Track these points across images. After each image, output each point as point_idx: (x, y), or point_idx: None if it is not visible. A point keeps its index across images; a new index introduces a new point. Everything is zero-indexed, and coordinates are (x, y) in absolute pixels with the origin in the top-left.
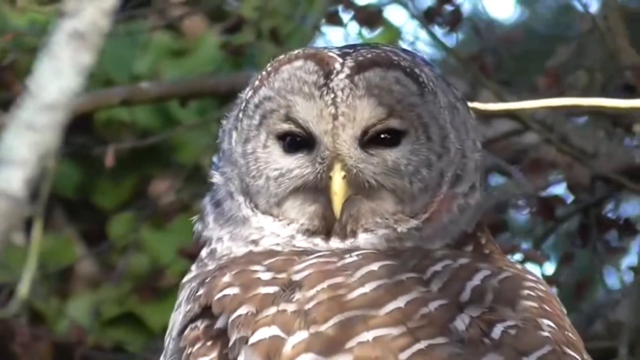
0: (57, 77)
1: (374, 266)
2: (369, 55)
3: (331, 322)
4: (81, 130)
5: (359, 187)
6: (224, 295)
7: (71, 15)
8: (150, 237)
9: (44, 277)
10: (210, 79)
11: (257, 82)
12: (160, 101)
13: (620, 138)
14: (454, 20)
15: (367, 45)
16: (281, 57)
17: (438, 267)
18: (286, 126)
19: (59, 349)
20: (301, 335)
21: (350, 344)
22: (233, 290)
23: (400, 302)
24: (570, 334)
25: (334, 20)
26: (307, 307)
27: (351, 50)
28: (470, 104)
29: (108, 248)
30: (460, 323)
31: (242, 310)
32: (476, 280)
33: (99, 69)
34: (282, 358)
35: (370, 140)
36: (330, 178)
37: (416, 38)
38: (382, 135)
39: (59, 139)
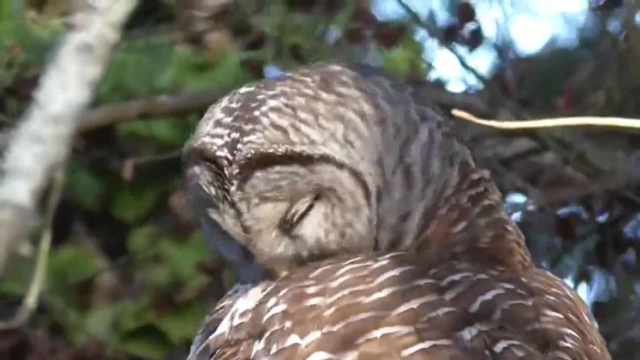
0: (64, 90)
1: (396, 271)
2: (249, 155)
3: (343, 323)
4: (103, 143)
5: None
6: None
7: (79, 28)
8: (171, 250)
9: (63, 289)
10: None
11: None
12: (178, 115)
13: (638, 158)
14: (475, 40)
15: (249, 118)
16: (184, 152)
17: (457, 277)
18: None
19: None
20: (314, 335)
21: (359, 341)
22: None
23: (413, 304)
24: (595, 348)
25: (356, 37)
26: (325, 314)
27: (237, 136)
28: (487, 122)
29: (128, 261)
30: (467, 333)
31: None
32: (488, 295)
33: (120, 82)
34: (296, 358)
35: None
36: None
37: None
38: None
39: (66, 151)
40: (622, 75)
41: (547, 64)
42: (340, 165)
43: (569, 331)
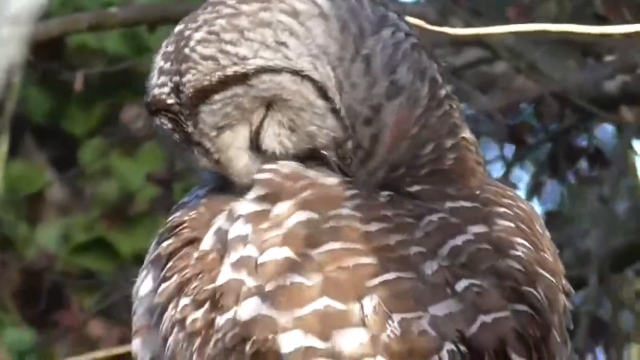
0: None
1: (387, 211)
2: (190, 94)
3: (321, 249)
4: (52, 56)
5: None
6: None
7: None
8: (120, 163)
9: (13, 202)
10: (180, 5)
11: None
12: (129, 26)
13: (590, 67)
14: None
15: (182, 58)
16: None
17: (434, 217)
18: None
19: (28, 275)
20: (286, 252)
21: (329, 268)
22: None
23: (390, 240)
24: (547, 256)
25: None
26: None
27: (178, 79)
28: (440, 29)
29: (78, 174)
30: (428, 268)
31: None
32: (458, 240)
33: None
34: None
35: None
36: None
37: None
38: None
39: (25, 53)
40: None
41: None
42: (278, 70)
43: (521, 240)
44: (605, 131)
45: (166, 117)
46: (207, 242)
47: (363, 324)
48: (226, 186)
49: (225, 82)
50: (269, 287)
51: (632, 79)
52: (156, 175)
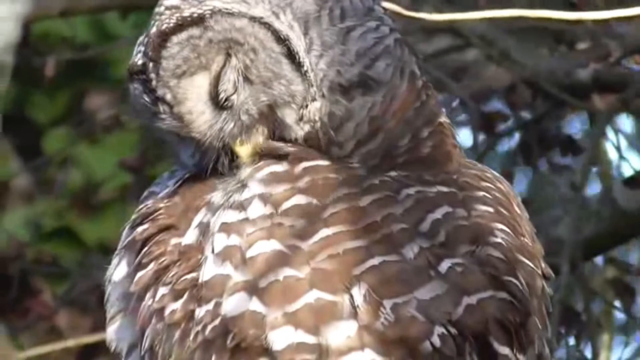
0: None
1: (377, 180)
2: (152, 41)
3: (316, 237)
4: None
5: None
6: None
7: None
8: (86, 152)
9: None
10: None
11: None
12: (101, 12)
13: (563, 55)
14: None
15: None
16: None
17: (411, 190)
18: None
19: None
20: (273, 245)
21: (320, 257)
22: None
23: (377, 216)
24: (526, 240)
25: None
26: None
27: (146, 40)
28: (416, 15)
29: (43, 163)
30: (409, 251)
31: None
32: (438, 214)
33: None
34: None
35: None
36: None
37: None
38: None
39: (20, 31)
40: None
41: None
42: (235, 14)
43: (500, 226)
44: (577, 118)
45: (138, 79)
46: (190, 236)
47: (354, 315)
48: (202, 173)
49: (182, 24)
50: (259, 283)
51: (604, 67)
52: (128, 161)
